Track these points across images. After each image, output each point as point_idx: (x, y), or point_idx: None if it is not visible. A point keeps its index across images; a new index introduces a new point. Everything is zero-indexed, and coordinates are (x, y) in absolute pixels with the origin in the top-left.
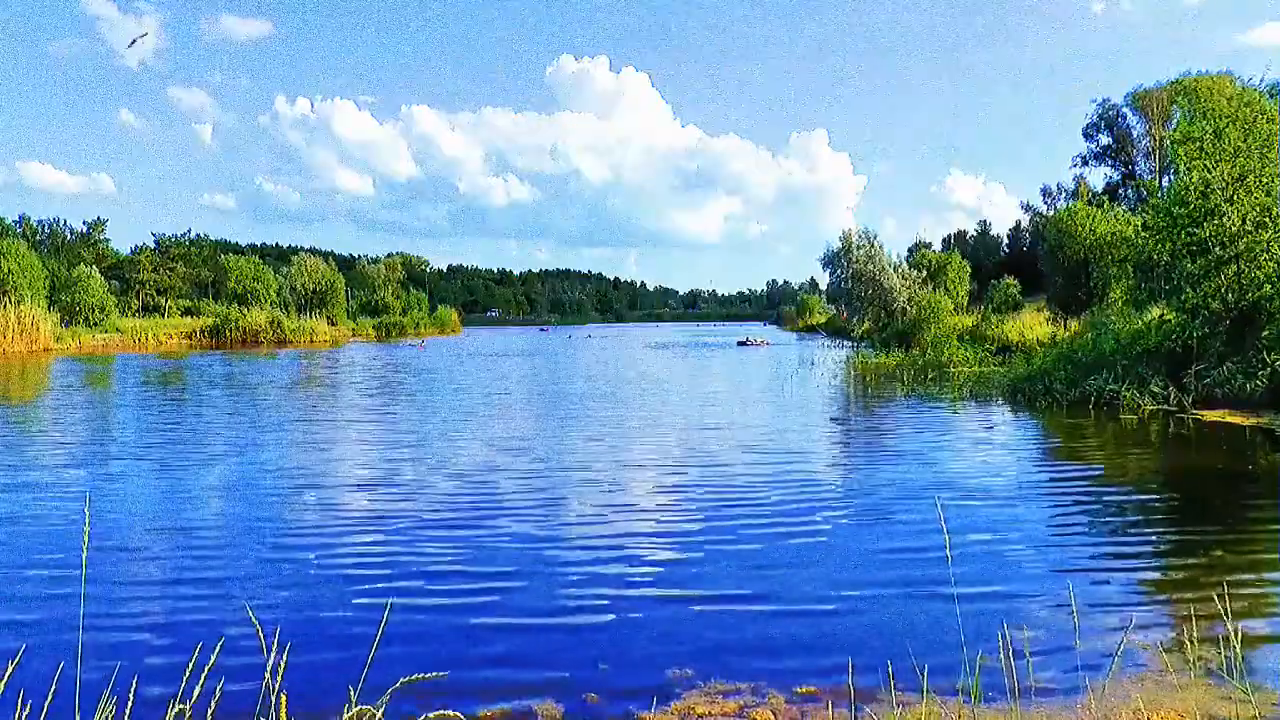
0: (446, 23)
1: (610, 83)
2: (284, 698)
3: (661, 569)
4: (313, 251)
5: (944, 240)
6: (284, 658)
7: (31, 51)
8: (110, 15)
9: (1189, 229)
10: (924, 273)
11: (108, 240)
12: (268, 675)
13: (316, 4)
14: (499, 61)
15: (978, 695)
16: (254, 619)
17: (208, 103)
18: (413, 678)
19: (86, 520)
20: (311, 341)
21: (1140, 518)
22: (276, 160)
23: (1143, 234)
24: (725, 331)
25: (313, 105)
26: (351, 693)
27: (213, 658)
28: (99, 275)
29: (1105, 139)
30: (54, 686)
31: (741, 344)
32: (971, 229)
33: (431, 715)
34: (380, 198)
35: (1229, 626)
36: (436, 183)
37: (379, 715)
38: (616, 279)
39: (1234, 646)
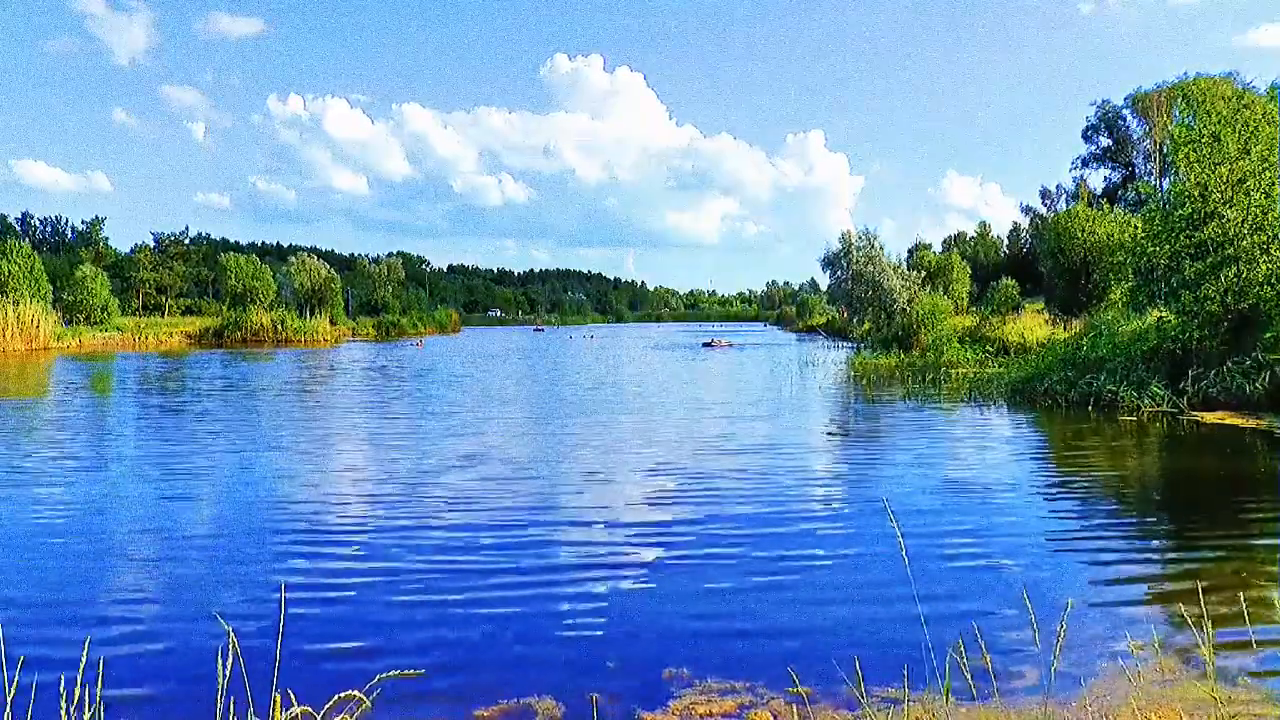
0: (439, 21)
1: (604, 82)
2: (290, 694)
3: (661, 569)
4: (312, 251)
5: (944, 241)
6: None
7: (27, 50)
8: (102, 14)
9: (1187, 232)
10: (924, 274)
11: (107, 239)
12: (229, 669)
13: (309, 2)
14: (492, 60)
15: (966, 695)
16: (220, 621)
17: (200, 101)
18: (391, 674)
19: None
20: (310, 341)
21: (1139, 519)
22: (271, 159)
23: (1140, 238)
24: (723, 332)
25: (305, 104)
26: (279, 697)
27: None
28: (103, 275)
29: (1105, 141)
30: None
31: (706, 345)
32: (970, 230)
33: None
34: (376, 196)
35: (1227, 627)
36: (431, 182)
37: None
38: (616, 279)
39: (1231, 647)
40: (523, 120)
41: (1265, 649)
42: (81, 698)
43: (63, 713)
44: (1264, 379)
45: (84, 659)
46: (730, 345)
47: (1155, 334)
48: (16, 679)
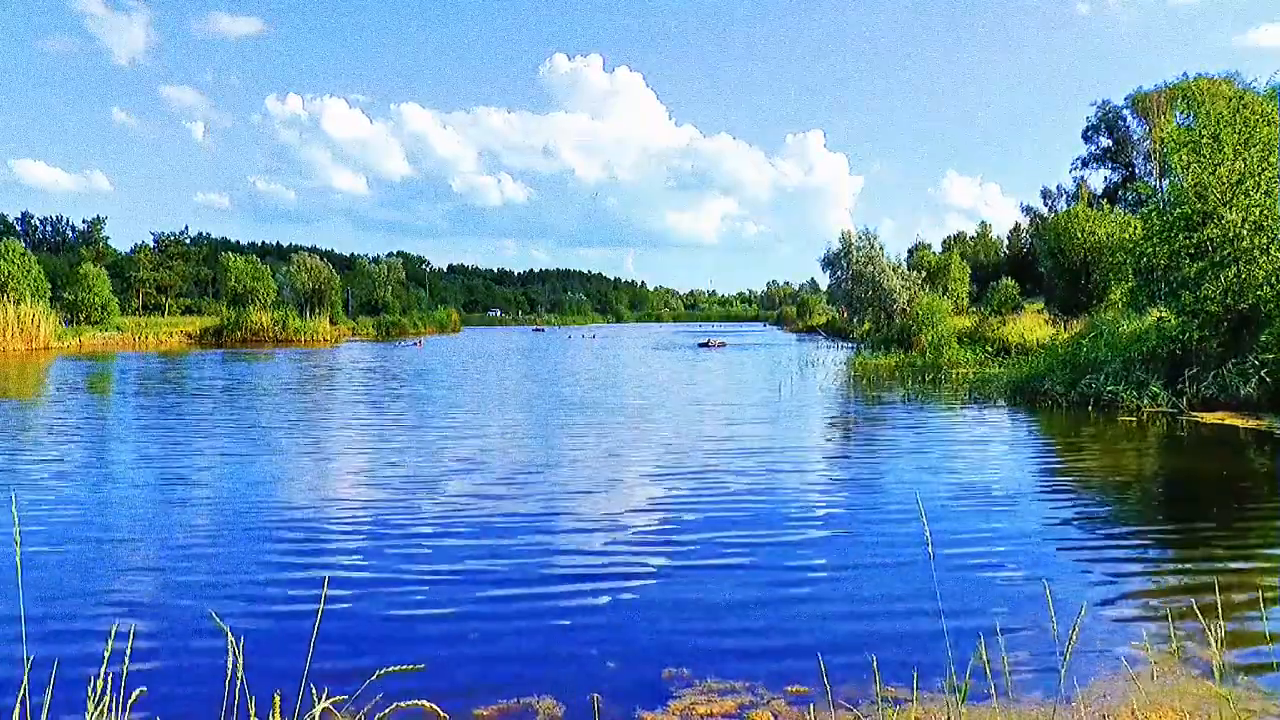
0: (438, 21)
1: (604, 82)
2: (313, 689)
3: (661, 570)
4: (312, 251)
5: (943, 241)
6: (308, 650)
7: (26, 50)
8: (101, 13)
9: (1186, 232)
10: (924, 274)
11: (107, 238)
12: (236, 672)
13: (308, 2)
14: (492, 60)
15: (967, 695)
16: (217, 621)
17: (200, 101)
18: (390, 669)
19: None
20: (310, 341)
21: (1138, 519)
22: (270, 159)
23: (1139, 239)
24: (720, 332)
25: (304, 104)
26: (279, 699)
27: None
28: (105, 274)
29: (1105, 141)
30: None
31: (702, 345)
32: (970, 230)
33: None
34: (376, 196)
35: (1227, 627)
36: (431, 182)
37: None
38: (616, 279)
39: (1230, 647)
40: (522, 120)
41: (1265, 649)
42: (93, 699)
43: (91, 710)
44: (1263, 379)
45: (81, 663)
46: (724, 345)
47: (1155, 334)
48: (24, 683)
